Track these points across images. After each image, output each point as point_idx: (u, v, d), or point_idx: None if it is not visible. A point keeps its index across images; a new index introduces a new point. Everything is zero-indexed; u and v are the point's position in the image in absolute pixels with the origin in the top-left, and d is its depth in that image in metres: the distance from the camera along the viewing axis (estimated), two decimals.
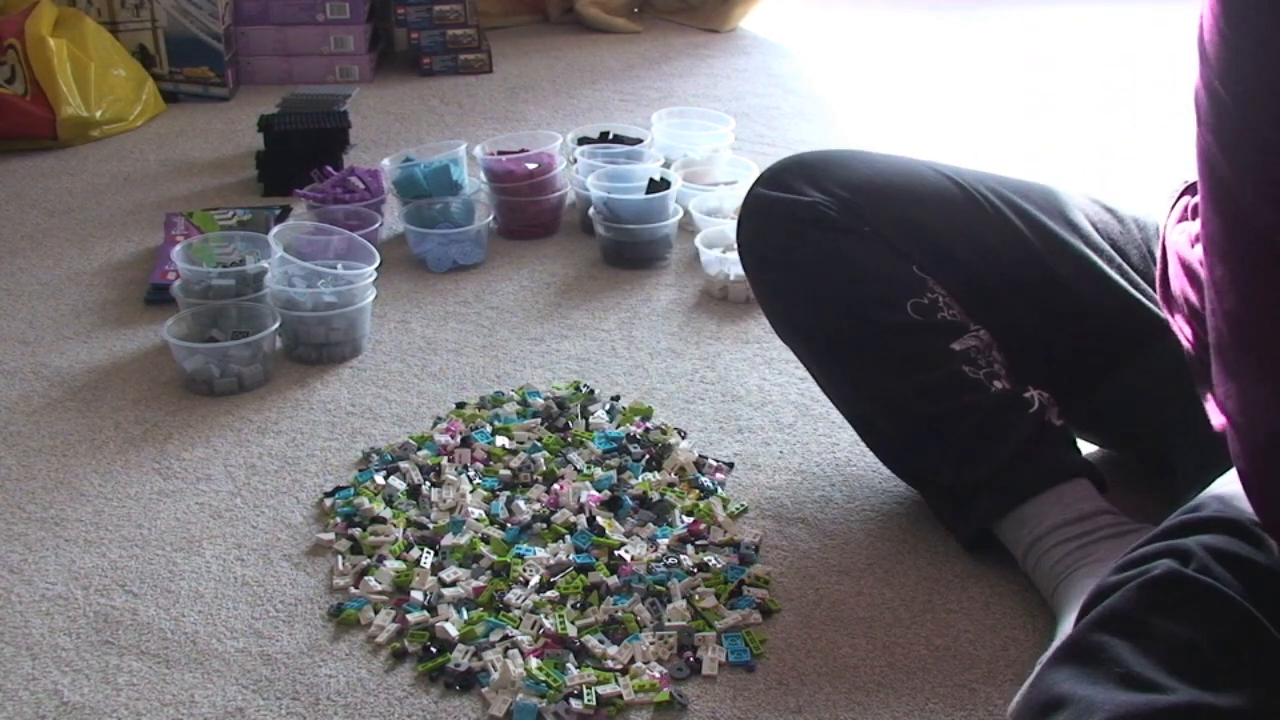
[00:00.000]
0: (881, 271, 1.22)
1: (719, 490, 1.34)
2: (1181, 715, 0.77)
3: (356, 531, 1.27)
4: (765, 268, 1.30)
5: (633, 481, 1.34)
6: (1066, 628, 1.04)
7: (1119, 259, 1.27)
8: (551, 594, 1.18)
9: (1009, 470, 1.17)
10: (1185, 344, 1.10)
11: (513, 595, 1.18)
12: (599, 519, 1.28)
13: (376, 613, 1.17)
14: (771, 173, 1.30)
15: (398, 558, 1.23)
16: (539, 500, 1.32)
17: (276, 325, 1.58)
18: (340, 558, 1.24)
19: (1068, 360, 1.26)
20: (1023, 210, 1.27)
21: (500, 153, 2.03)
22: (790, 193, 1.26)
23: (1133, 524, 1.14)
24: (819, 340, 1.29)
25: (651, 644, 1.12)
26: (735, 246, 1.83)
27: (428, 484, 1.35)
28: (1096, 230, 1.28)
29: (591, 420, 1.45)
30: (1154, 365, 1.21)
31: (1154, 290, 1.22)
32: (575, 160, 2.03)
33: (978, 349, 1.21)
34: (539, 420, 1.45)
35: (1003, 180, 1.31)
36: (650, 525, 1.28)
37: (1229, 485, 0.90)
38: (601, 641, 1.12)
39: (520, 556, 1.23)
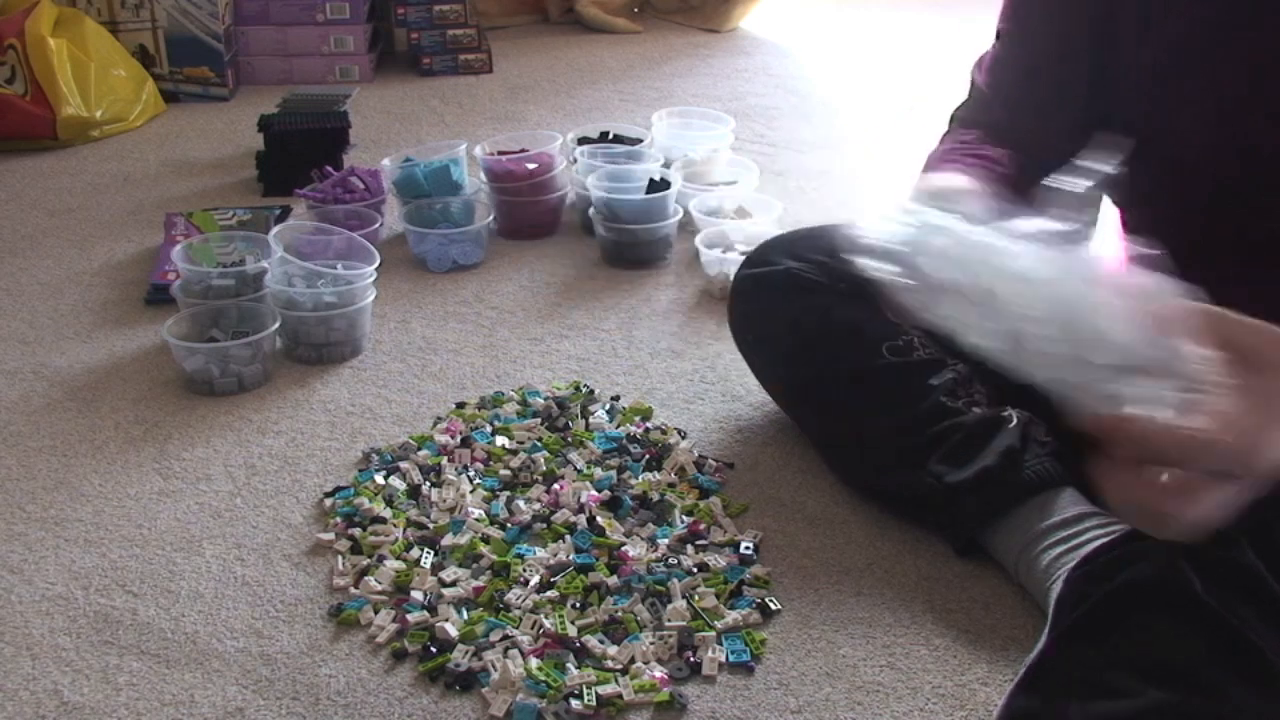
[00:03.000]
0: (857, 320, 1.29)
1: (719, 490, 1.34)
2: (1152, 717, 0.78)
3: (356, 531, 1.27)
4: (749, 335, 1.41)
5: (633, 481, 1.34)
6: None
7: None
8: (551, 594, 1.18)
9: (996, 473, 1.18)
10: None
11: (513, 595, 1.18)
12: (599, 519, 1.28)
13: (376, 613, 1.17)
14: (755, 253, 1.42)
15: (398, 558, 1.23)
16: (539, 500, 1.32)
17: (276, 325, 1.58)
18: (340, 558, 1.24)
19: None
20: None
21: (500, 153, 2.03)
22: (769, 265, 1.37)
23: (1123, 526, 1.14)
24: (802, 390, 1.36)
25: (651, 644, 1.12)
26: (735, 247, 1.84)
27: (428, 484, 1.35)
28: None
29: (591, 420, 1.45)
30: None
31: None
32: (575, 160, 2.03)
33: (956, 380, 1.25)
34: (539, 420, 1.45)
35: None
36: (650, 525, 1.27)
37: None
38: (601, 641, 1.12)
39: (520, 556, 1.23)
